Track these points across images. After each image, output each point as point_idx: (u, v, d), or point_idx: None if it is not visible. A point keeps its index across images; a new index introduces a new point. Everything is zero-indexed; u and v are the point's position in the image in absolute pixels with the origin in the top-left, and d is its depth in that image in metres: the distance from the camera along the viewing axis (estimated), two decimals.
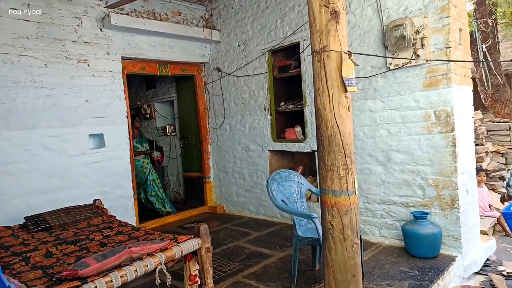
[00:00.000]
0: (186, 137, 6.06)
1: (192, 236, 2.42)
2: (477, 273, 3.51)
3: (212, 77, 5.57)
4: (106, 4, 4.29)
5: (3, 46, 3.58)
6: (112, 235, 2.74)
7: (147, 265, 2.06)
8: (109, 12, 4.26)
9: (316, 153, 3.49)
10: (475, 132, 4.13)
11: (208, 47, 5.51)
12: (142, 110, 7.36)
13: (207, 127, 5.77)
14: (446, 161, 3.24)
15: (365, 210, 3.82)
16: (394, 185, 3.59)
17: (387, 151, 3.61)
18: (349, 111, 2.04)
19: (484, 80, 8.34)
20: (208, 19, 5.51)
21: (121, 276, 1.92)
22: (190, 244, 2.33)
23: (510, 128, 7.05)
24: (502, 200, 5.99)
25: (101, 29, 4.30)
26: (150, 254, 2.14)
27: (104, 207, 3.57)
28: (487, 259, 3.74)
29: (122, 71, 4.53)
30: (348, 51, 2.02)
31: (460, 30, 3.35)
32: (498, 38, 8.74)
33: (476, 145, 5.39)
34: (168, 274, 2.16)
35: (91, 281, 1.82)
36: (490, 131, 7.21)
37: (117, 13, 4.38)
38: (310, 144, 4.35)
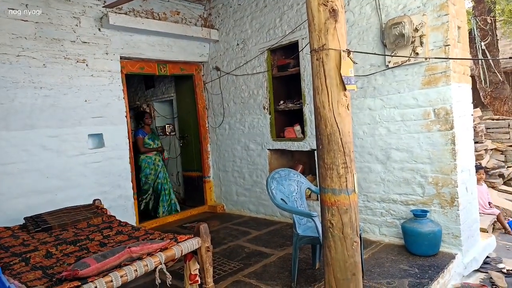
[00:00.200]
0: (186, 137, 6.06)
1: (192, 236, 2.42)
2: (477, 270, 3.52)
3: (211, 76, 5.56)
4: (104, 3, 4.28)
5: (1, 46, 3.58)
6: (112, 235, 2.74)
7: (147, 265, 2.06)
8: (108, 11, 4.26)
9: (315, 151, 3.48)
10: (474, 130, 4.14)
11: (207, 46, 5.50)
12: (141, 109, 7.35)
13: (207, 126, 5.77)
14: (445, 159, 3.24)
15: (365, 208, 3.83)
16: (393, 183, 3.60)
17: (387, 149, 3.61)
18: (348, 109, 2.04)
19: (482, 78, 8.35)
20: (206, 18, 5.50)
21: (121, 276, 1.92)
22: (190, 244, 2.33)
23: (509, 125, 7.06)
24: None
25: (99, 29, 4.29)
26: (150, 254, 2.14)
27: (104, 207, 3.56)
28: (487, 257, 3.74)
29: (121, 70, 4.52)
30: (347, 49, 2.02)
31: (458, 27, 3.35)
32: (497, 35, 8.75)
33: (476, 142, 5.40)
34: (168, 273, 2.16)
35: (91, 281, 1.81)
36: (489, 128, 7.21)
37: (116, 12, 4.37)
38: (309, 143, 4.35)
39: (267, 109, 4.82)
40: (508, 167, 6.68)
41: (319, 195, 2.23)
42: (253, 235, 4.28)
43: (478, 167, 4.89)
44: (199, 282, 2.45)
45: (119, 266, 1.99)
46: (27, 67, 3.73)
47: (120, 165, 4.41)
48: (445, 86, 3.18)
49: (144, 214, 5.42)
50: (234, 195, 5.45)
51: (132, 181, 4.56)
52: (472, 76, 4.06)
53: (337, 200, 2.03)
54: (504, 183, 6.51)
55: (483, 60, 8.21)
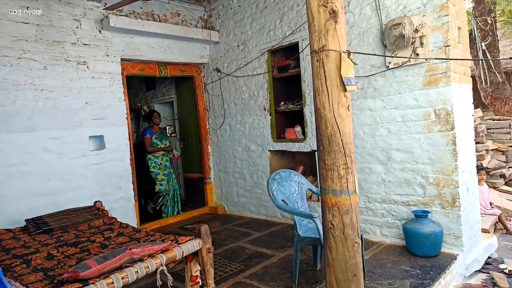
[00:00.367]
0: (186, 138, 6.06)
1: (193, 237, 2.42)
2: (479, 271, 3.51)
3: (211, 77, 5.57)
4: (104, 6, 4.30)
5: (2, 48, 3.59)
6: (113, 237, 2.75)
7: (148, 267, 2.06)
8: (108, 13, 4.27)
9: (316, 152, 3.49)
10: (475, 130, 4.13)
11: (207, 47, 5.51)
12: (141, 111, 7.36)
13: (207, 127, 5.77)
14: (446, 159, 3.24)
15: (366, 209, 3.82)
16: (394, 184, 3.59)
17: (387, 150, 3.61)
18: (349, 110, 2.04)
19: (483, 79, 8.34)
20: (207, 20, 5.51)
21: (122, 278, 1.92)
22: (191, 245, 2.33)
23: (510, 125, 7.05)
24: None
25: (100, 31, 4.30)
26: (151, 255, 2.14)
27: (105, 209, 3.56)
28: (489, 257, 3.73)
29: (122, 72, 4.53)
30: (347, 50, 2.02)
31: (459, 28, 3.35)
32: (497, 36, 8.74)
33: (477, 143, 5.39)
34: (169, 275, 2.16)
35: (92, 283, 1.81)
36: (490, 129, 7.20)
37: (116, 14, 4.38)
38: (310, 144, 4.35)
39: (267, 110, 4.83)
40: (509, 167, 6.67)
41: (320, 196, 2.23)
42: (254, 236, 4.28)
43: (479, 168, 4.89)
44: (200, 284, 2.45)
45: (120, 268, 1.99)
46: (28, 69, 3.74)
47: (121, 167, 4.42)
48: (446, 87, 3.18)
49: (145, 215, 5.42)
50: (235, 196, 5.44)
51: (133, 183, 4.56)
52: (473, 77, 4.05)
53: (338, 201, 2.03)
54: (505, 184, 6.50)
55: (484, 61, 8.21)
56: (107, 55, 4.36)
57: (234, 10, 5.12)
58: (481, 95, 8.88)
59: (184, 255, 2.30)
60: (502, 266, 3.67)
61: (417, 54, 3.25)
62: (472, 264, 3.35)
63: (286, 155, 5.04)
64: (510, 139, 7.00)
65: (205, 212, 5.71)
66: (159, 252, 2.18)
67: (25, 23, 3.74)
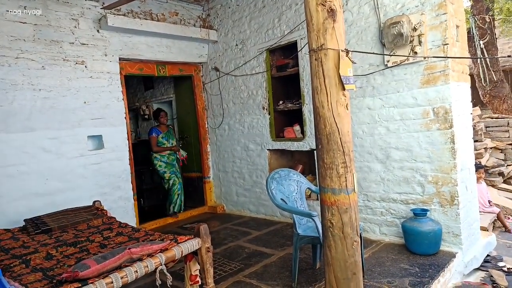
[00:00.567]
0: (185, 137, 6.06)
1: (192, 236, 2.42)
2: (478, 269, 3.52)
3: (210, 77, 5.56)
4: (102, 5, 4.29)
5: (0, 48, 3.57)
6: (112, 237, 2.74)
7: (147, 266, 2.06)
8: (106, 13, 4.26)
9: (315, 151, 3.49)
10: (473, 129, 4.14)
11: (205, 47, 5.50)
12: (140, 111, 7.36)
13: (206, 127, 5.77)
14: (445, 157, 3.24)
15: (365, 208, 3.83)
16: (393, 182, 3.60)
17: (386, 148, 3.61)
18: (347, 109, 2.04)
19: (482, 77, 8.35)
20: (205, 19, 5.51)
21: (122, 277, 1.92)
22: (190, 244, 2.33)
23: (508, 124, 7.06)
24: None
25: (98, 30, 4.29)
26: (150, 255, 2.14)
27: (104, 209, 3.57)
28: (487, 255, 3.74)
29: (120, 72, 4.52)
30: (345, 49, 2.02)
31: (457, 26, 3.35)
32: (495, 34, 8.75)
33: (475, 141, 5.40)
34: (168, 274, 2.16)
35: (92, 283, 1.81)
36: (488, 127, 7.22)
37: (114, 14, 4.37)
38: (309, 143, 4.35)
39: (266, 109, 4.82)
40: (507, 165, 6.69)
41: (319, 195, 2.23)
42: (253, 235, 4.28)
43: (478, 166, 4.89)
44: (200, 283, 2.45)
45: (119, 267, 1.99)
46: (26, 69, 3.73)
47: (120, 167, 4.41)
48: (444, 85, 3.18)
49: (144, 214, 5.42)
50: (234, 195, 5.45)
51: (132, 182, 4.55)
52: (471, 75, 4.06)
53: (337, 200, 2.03)
54: (504, 182, 6.51)
55: (482, 59, 8.22)
56: (105, 55, 4.35)
57: (232, 9, 5.11)
58: (480, 93, 8.89)
59: (183, 255, 2.30)
60: (501, 264, 3.68)
61: (416, 53, 3.26)
62: (471, 262, 3.36)
63: (285, 154, 5.04)
64: (509, 137, 7.01)
65: (204, 212, 5.71)
66: (158, 251, 2.18)
67: (23, 23, 3.73)
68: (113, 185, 4.34)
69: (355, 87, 3.49)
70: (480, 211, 4.00)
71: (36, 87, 3.79)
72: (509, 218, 5.34)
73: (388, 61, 3.47)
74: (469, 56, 6.92)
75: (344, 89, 2.00)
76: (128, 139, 4.55)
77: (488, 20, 8.20)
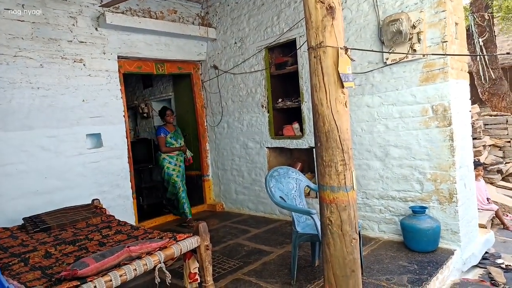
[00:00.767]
0: (184, 136, 6.04)
1: (191, 234, 2.42)
2: (476, 266, 3.53)
3: (209, 75, 5.55)
4: (101, 3, 4.27)
5: None
6: (111, 235, 2.74)
7: (146, 264, 2.06)
8: (104, 11, 4.24)
9: (314, 149, 3.50)
10: (472, 126, 4.14)
11: (204, 45, 5.49)
12: (139, 109, 7.35)
13: (205, 125, 5.76)
14: (443, 155, 3.24)
15: (363, 205, 3.83)
16: (392, 180, 3.60)
17: (385, 146, 3.62)
18: (346, 106, 2.04)
19: (481, 74, 8.34)
20: (204, 16, 5.49)
21: (120, 276, 1.92)
22: (189, 242, 2.34)
23: (507, 121, 7.06)
24: None
25: (96, 28, 4.28)
26: (149, 253, 2.14)
27: (103, 207, 3.57)
28: (486, 252, 3.75)
29: (119, 70, 4.51)
30: (344, 46, 2.02)
31: (456, 24, 3.35)
32: (494, 32, 8.74)
33: (474, 139, 5.40)
34: (167, 272, 2.17)
35: (90, 281, 1.81)
36: (487, 124, 7.22)
37: (112, 12, 4.36)
38: (308, 141, 4.35)
39: (265, 107, 4.82)
40: (506, 163, 6.70)
41: (318, 193, 2.23)
42: (252, 233, 4.28)
43: (477, 163, 4.90)
44: (199, 281, 2.46)
45: (118, 266, 1.99)
46: (24, 67, 3.72)
47: (119, 165, 4.41)
48: (443, 83, 3.18)
49: (143, 213, 5.42)
50: (233, 193, 5.45)
51: (131, 181, 4.55)
52: (470, 73, 4.06)
53: (336, 197, 2.03)
54: (503, 179, 6.53)
55: (481, 57, 8.22)
56: (104, 53, 4.34)
57: (231, 7, 5.10)
58: (479, 91, 8.89)
59: (182, 253, 2.30)
60: (499, 261, 3.69)
61: (415, 50, 3.25)
62: (469, 259, 3.37)
63: (284, 152, 5.04)
64: (507, 134, 7.02)
65: (203, 210, 5.71)
66: (157, 249, 2.18)
67: (21, 21, 3.71)
68: (112, 184, 4.33)
69: (354, 85, 3.49)
70: (478, 209, 4.00)
71: (35, 85, 3.78)
72: (507, 216, 5.35)
73: (387, 59, 3.47)
74: (468, 54, 6.91)
75: (343, 86, 2.00)
76: (127, 137, 4.55)
77: (487, 18, 8.19)
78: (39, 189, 3.75)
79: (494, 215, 5.04)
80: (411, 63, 3.35)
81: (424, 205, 3.38)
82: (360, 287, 2.11)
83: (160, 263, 2.13)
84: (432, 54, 3.18)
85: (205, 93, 5.69)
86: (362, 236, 2.99)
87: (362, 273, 2.54)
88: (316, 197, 4.09)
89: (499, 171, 6.44)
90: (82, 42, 4.16)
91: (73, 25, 4.09)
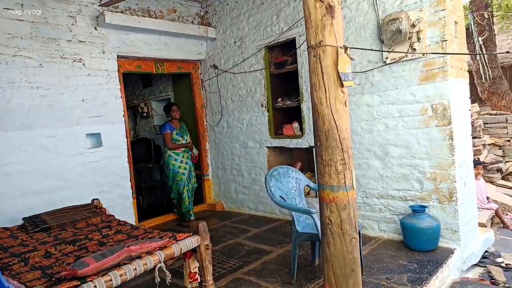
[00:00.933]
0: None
1: (191, 234, 2.42)
2: (476, 265, 3.53)
3: (208, 74, 5.55)
4: (100, 2, 4.26)
5: None
6: (111, 234, 2.74)
7: (146, 264, 2.06)
8: (104, 10, 4.24)
9: (314, 148, 3.49)
10: (472, 125, 4.14)
11: (204, 44, 5.49)
12: (139, 108, 7.34)
13: (205, 124, 5.76)
14: (443, 154, 3.24)
15: (363, 204, 3.84)
16: (392, 179, 3.60)
17: (385, 145, 3.62)
18: (346, 106, 2.04)
19: (481, 73, 8.34)
20: (203, 16, 5.49)
21: (121, 275, 1.92)
22: (189, 242, 2.33)
23: (507, 120, 7.07)
24: None
25: (95, 28, 4.27)
26: (149, 253, 2.14)
27: (103, 207, 3.56)
28: (486, 251, 3.76)
29: (118, 69, 4.50)
30: (344, 45, 2.01)
31: (456, 23, 3.35)
32: (494, 30, 8.73)
33: (473, 138, 5.41)
34: (167, 272, 2.16)
35: (91, 281, 1.81)
36: (487, 123, 7.22)
37: (112, 11, 4.35)
38: (308, 140, 4.35)
39: (265, 106, 4.82)
40: (506, 162, 6.70)
41: (317, 192, 2.23)
42: (252, 233, 4.28)
43: (476, 162, 4.90)
44: (199, 280, 2.46)
45: (118, 265, 1.99)
46: (24, 67, 3.71)
47: (118, 164, 4.41)
48: (443, 82, 3.18)
49: (143, 212, 5.42)
50: (233, 193, 5.45)
51: (130, 180, 4.55)
52: (470, 72, 4.06)
53: (336, 197, 2.03)
54: (502, 178, 6.53)
55: (481, 56, 8.21)
56: (103, 52, 4.34)
57: (230, 6, 5.10)
58: (478, 90, 8.89)
59: (182, 252, 2.30)
60: (499, 260, 3.69)
61: (414, 49, 3.25)
62: (469, 258, 3.37)
63: (284, 152, 5.04)
64: (507, 133, 7.02)
65: (203, 209, 5.71)
66: (157, 249, 2.18)
67: (20, 21, 3.71)
68: (112, 183, 4.33)
69: (354, 84, 3.48)
70: (478, 208, 4.01)
71: (34, 85, 3.78)
72: (507, 214, 5.36)
73: (386, 58, 3.47)
74: (468, 52, 6.91)
75: (342, 86, 2.00)
76: (126, 137, 4.54)
77: (486, 17, 8.18)
78: (39, 189, 3.75)
79: (494, 214, 5.05)
80: (411, 62, 3.34)
81: (424, 204, 3.38)
82: (360, 286, 2.11)
83: (160, 262, 2.13)
84: (432, 53, 3.17)
85: (204, 92, 5.68)
86: (362, 235, 2.99)
87: (362, 272, 2.55)
88: (316, 196, 4.08)
89: (499, 170, 6.44)
90: (82, 41, 4.15)
91: (72, 24, 4.09)
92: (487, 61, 8.23)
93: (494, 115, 7.55)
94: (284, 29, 4.41)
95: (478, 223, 3.78)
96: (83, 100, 4.13)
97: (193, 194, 5.14)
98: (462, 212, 3.29)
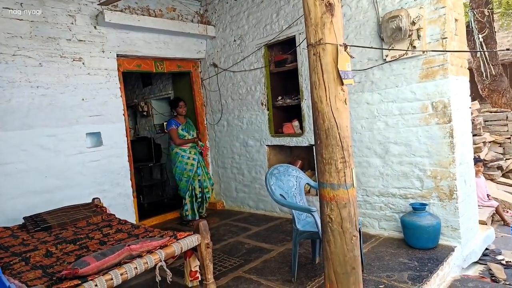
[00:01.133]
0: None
1: (192, 233, 2.43)
2: (476, 262, 3.54)
3: (208, 73, 5.54)
4: (99, 1, 4.25)
5: None
6: (111, 233, 2.75)
7: (147, 262, 2.06)
8: (103, 9, 4.23)
9: (314, 147, 3.49)
10: (472, 123, 4.13)
11: (203, 42, 5.48)
12: (139, 107, 7.33)
13: (205, 123, 5.76)
14: (444, 152, 3.24)
15: (364, 202, 3.84)
16: (392, 177, 3.60)
17: (385, 143, 3.61)
18: (346, 104, 2.04)
19: (483, 70, 8.32)
20: (203, 14, 5.48)
21: (121, 274, 1.93)
22: (189, 241, 2.34)
23: (507, 118, 7.07)
24: None
25: (95, 27, 4.27)
26: (150, 251, 2.14)
27: (103, 206, 3.57)
28: (486, 249, 3.76)
29: (118, 68, 4.50)
30: (343, 43, 2.01)
31: (456, 20, 3.34)
32: (494, 28, 8.72)
33: (474, 135, 5.40)
34: (168, 270, 2.17)
35: (91, 280, 1.82)
36: (487, 121, 7.22)
37: (111, 10, 4.34)
38: (308, 138, 4.35)
39: (265, 105, 4.81)
40: (506, 159, 6.70)
41: (318, 190, 2.23)
42: (253, 231, 4.29)
43: (477, 160, 4.90)
44: (200, 279, 2.46)
45: (119, 264, 2.00)
46: (23, 66, 3.71)
47: (119, 163, 4.41)
48: (443, 79, 3.17)
49: (144, 211, 5.42)
50: (233, 191, 5.45)
51: (131, 179, 4.55)
52: (470, 69, 4.05)
53: (336, 195, 2.03)
54: (503, 175, 6.53)
55: (481, 53, 8.19)
56: (103, 51, 4.33)
57: (230, 4, 5.09)
58: (479, 87, 8.87)
59: (183, 251, 2.31)
60: (499, 257, 3.70)
61: (414, 47, 3.25)
62: (470, 256, 3.37)
63: (284, 150, 5.04)
64: (507, 131, 7.02)
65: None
66: (158, 248, 2.19)
67: (20, 20, 3.70)
68: (112, 182, 4.33)
69: (354, 82, 3.47)
70: (478, 205, 4.01)
71: (34, 84, 3.77)
72: (507, 212, 5.36)
73: (386, 56, 3.46)
74: (468, 50, 6.90)
75: (342, 84, 1.99)
76: (126, 136, 4.54)
77: (487, 14, 8.16)
78: (39, 188, 3.75)
79: (495, 212, 5.05)
80: (411, 59, 3.34)
81: (424, 202, 3.38)
82: (360, 284, 2.12)
83: (161, 261, 2.13)
84: (432, 51, 3.17)
85: (204, 91, 5.68)
86: (362, 233, 2.99)
87: (362, 270, 2.55)
88: (316, 194, 4.09)
89: (499, 168, 6.44)
90: (81, 40, 4.14)
91: (72, 23, 4.08)
92: (487, 59, 8.22)
93: (494, 112, 7.55)
94: (284, 27, 4.41)
95: (479, 220, 3.78)
96: (83, 99, 4.13)
97: (209, 191, 4.99)
98: (463, 209, 3.29)
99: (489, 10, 8.28)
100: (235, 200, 5.44)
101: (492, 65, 8.29)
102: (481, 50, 8.08)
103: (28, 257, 2.33)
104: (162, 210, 5.50)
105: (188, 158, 4.81)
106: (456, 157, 3.20)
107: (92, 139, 4.24)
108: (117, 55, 4.50)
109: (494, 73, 8.37)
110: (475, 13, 8.11)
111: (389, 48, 3.39)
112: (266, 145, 4.89)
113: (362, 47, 3.37)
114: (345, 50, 2.00)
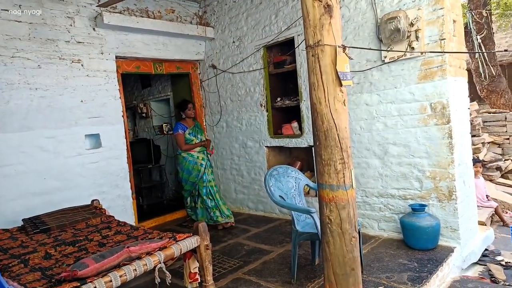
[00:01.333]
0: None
1: (191, 234, 2.42)
2: (476, 263, 3.54)
3: (207, 74, 5.55)
4: (98, 3, 4.26)
5: None
6: (110, 235, 2.74)
7: (146, 264, 2.06)
8: (102, 11, 4.23)
9: (313, 148, 3.49)
10: (471, 123, 4.15)
11: (202, 44, 5.48)
12: (138, 109, 7.33)
13: (204, 124, 5.76)
14: (442, 153, 3.25)
15: (363, 203, 3.84)
16: (391, 178, 3.60)
17: (384, 144, 3.62)
18: (345, 105, 2.04)
19: (481, 71, 8.34)
20: (202, 16, 5.48)
21: (120, 276, 1.92)
22: (189, 242, 2.33)
23: (506, 118, 7.08)
24: None
25: (94, 29, 4.27)
26: (149, 253, 2.14)
27: (102, 207, 3.56)
28: (486, 250, 3.76)
29: (117, 70, 4.50)
30: (342, 45, 2.01)
31: (454, 21, 3.35)
32: (492, 29, 8.74)
33: (473, 136, 5.41)
34: (167, 272, 2.16)
35: (90, 282, 1.81)
36: (486, 122, 7.24)
37: (110, 12, 4.34)
38: (307, 139, 4.35)
39: (264, 106, 4.82)
40: (505, 160, 6.71)
41: (317, 191, 2.23)
42: (252, 233, 4.28)
43: (476, 161, 4.91)
44: (199, 280, 2.46)
45: (118, 266, 1.99)
46: (22, 68, 3.71)
47: (118, 165, 4.40)
48: (441, 80, 3.18)
49: (143, 213, 5.42)
50: (232, 192, 5.45)
51: (130, 181, 4.55)
52: (468, 70, 4.06)
53: (335, 196, 2.03)
54: (502, 176, 6.55)
55: (480, 54, 8.22)
56: (102, 53, 4.33)
57: (229, 6, 5.09)
58: (477, 88, 8.89)
59: (182, 252, 2.30)
60: (499, 258, 3.70)
61: (413, 48, 3.25)
62: (469, 257, 3.38)
63: (283, 151, 5.04)
64: (506, 131, 7.03)
65: None
66: (157, 249, 2.18)
67: (18, 22, 3.70)
68: (111, 184, 4.33)
69: (353, 83, 3.49)
70: (478, 206, 4.01)
71: (33, 86, 3.77)
72: (506, 212, 5.37)
73: (385, 57, 3.47)
74: (466, 51, 6.92)
75: (341, 85, 2.00)
76: (126, 138, 4.54)
77: (485, 15, 8.19)
78: (38, 190, 3.75)
79: (494, 212, 5.06)
80: (409, 61, 3.34)
81: (423, 203, 3.39)
82: (360, 285, 2.11)
83: (160, 263, 2.13)
84: (430, 52, 3.17)
85: (203, 92, 5.68)
86: (361, 234, 3.00)
87: (362, 271, 2.55)
88: (316, 195, 4.09)
89: (498, 168, 6.46)
90: (80, 42, 4.14)
91: (71, 25, 4.08)
92: (486, 60, 8.24)
93: (493, 113, 7.56)
94: (282, 29, 4.41)
95: (478, 221, 3.79)
96: (82, 101, 4.12)
97: (216, 196, 4.68)
98: (462, 210, 3.29)
99: (487, 11, 8.31)
100: (234, 201, 5.43)
101: (490, 66, 8.31)
102: (479, 51, 8.10)
103: (27, 259, 2.32)
104: (162, 212, 5.49)
105: (195, 163, 4.58)
106: (455, 158, 3.21)
107: (91, 140, 4.24)
108: (116, 57, 4.50)
109: (492, 74, 8.39)
110: (473, 14, 8.13)
111: (388, 49, 3.40)
112: (265, 146, 4.90)
113: (360, 48, 3.38)
114: (343, 52, 2.00)
